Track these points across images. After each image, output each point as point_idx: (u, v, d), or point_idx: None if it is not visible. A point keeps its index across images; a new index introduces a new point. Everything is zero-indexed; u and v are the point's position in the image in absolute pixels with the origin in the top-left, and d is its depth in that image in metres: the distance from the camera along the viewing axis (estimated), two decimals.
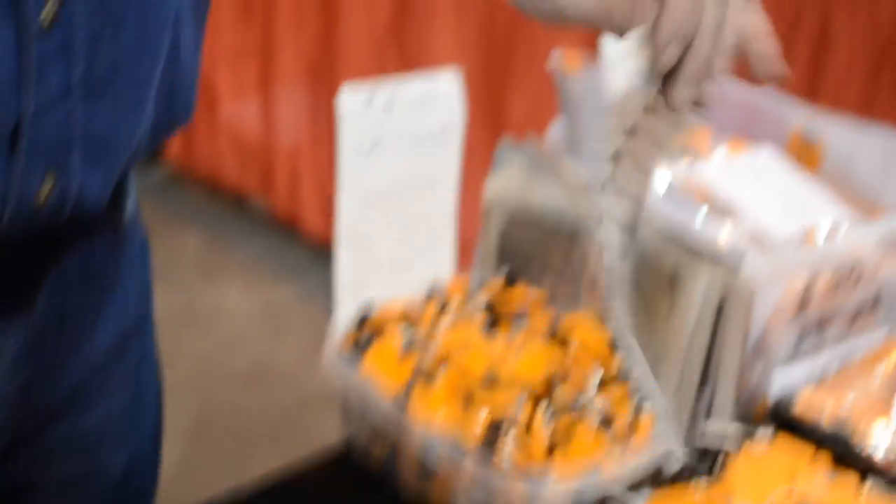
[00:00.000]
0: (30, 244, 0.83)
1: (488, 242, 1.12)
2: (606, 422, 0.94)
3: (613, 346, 1.00)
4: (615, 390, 0.96)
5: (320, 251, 3.07)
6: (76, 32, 0.75)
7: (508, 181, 1.10)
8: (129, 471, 1.03)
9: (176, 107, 0.87)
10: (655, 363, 0.99)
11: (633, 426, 0.94)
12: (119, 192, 0.93)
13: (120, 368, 0.98)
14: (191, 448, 2.49)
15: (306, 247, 3.19)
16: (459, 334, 1.00)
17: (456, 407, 0.94)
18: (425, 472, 0.95)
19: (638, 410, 0.95)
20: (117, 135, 0.81)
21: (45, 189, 0.77)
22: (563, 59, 1.13)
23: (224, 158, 3.40)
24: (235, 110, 3.32)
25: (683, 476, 0.96)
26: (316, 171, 3.12)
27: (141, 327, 1.01)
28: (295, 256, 3.21)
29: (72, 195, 0.79)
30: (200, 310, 2.99)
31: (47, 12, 0.73)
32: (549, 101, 1.17)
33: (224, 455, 2.50)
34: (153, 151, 0.91)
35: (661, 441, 0.95)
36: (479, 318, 1.03)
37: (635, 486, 0.94)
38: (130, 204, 0.96)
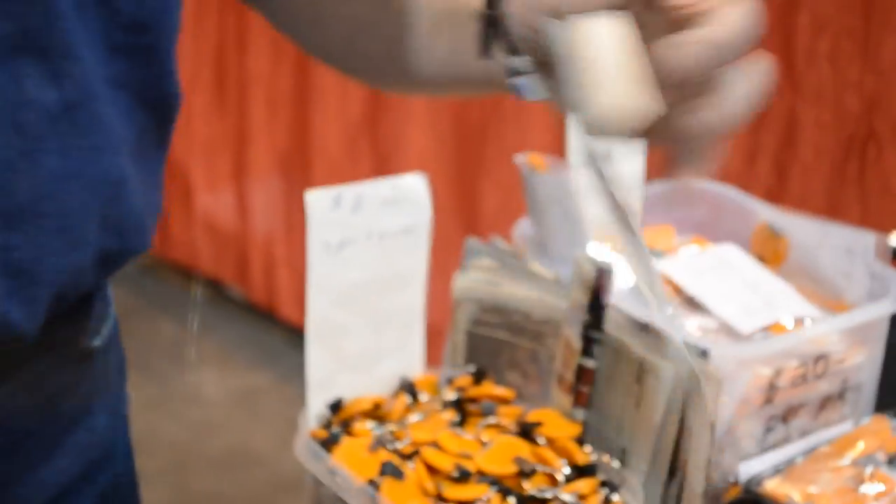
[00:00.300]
0: None
1: (457, 338, 1.12)
2: None
3: (581, 441, 1.01)
4: (584, 484, 0.97)
5: (296, 336, 3.07)
6: None
7: (475, 279, 1.11)
8: None
9: (128, 237, 0.83)
10: (625, 454, 1.00)
11: None
12: (81, 320, 0.89)
13: (85, 498, 0.93)
14: None
15: (282, 332, 3.20)
16: (428, 430, 1.01)
17: (426, 502, 0.94)
18: None
19: (607, 503, 0.96)
20: (42, 266, 0.77)
21: None
22: (528, 161, 1.15)
23: (199, 246, 3.40)
24: (210, 199, 3.33)
25: None
26: (291, 259, 3.13)
27: (111, 455, 0.96)
28: (271, 342, 3.22)
29: None
30: (175, 396, 2.99)
31: None
32: (522, 192, 1.19)
33: None
34: (107, 279, 0.87)
35: None
36: (448, 413, 1.04)
37: None
38: (105, 331, 0.93)
